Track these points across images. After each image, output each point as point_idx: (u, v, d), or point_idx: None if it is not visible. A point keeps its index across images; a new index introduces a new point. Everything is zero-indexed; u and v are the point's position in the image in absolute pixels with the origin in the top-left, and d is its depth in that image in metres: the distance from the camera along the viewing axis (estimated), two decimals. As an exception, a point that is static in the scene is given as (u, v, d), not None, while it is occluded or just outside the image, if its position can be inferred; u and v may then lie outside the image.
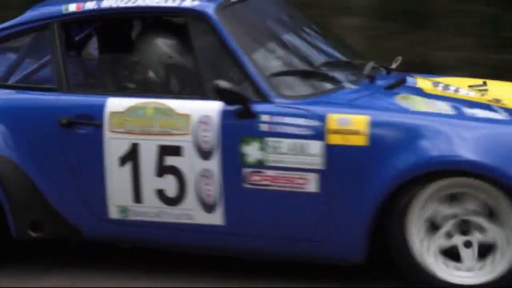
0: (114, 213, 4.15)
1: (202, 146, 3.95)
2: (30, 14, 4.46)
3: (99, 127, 4.10)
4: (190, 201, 4.01)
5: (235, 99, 3.88)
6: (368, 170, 3.76)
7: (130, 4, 4.29)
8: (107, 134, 4.10)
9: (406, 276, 3.85)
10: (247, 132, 3.91)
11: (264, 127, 3.89)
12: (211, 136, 3.94)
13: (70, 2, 4.43)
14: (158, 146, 4.02)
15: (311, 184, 3.84)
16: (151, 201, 4.07)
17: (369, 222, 3.78)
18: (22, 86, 4.38)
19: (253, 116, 3.89)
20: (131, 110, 4.08)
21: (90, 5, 4.34)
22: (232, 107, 3.92)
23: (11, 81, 4.41)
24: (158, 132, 4.03)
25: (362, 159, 3.78)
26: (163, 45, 4.27)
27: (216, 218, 4.00)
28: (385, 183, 3.72)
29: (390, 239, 3.80)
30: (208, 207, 3.99)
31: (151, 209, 4.09)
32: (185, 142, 3.98)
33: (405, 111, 3.96)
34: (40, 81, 4.37)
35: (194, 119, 3.97)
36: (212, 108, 3.97)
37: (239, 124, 3.92)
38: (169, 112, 4.03)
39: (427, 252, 3.75)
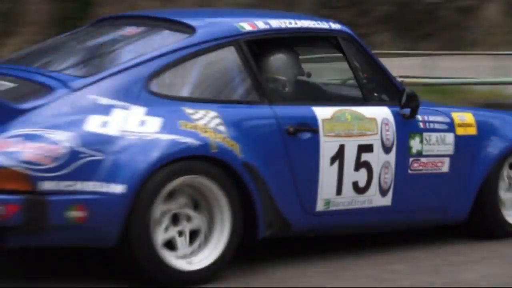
0: (319, 206, 4.76)
1: (385, 143, 4.94)
2: (202, 34, 4.64)
3: (315, 133, 4.69)
4: (373, 189, 4.96)
5: (415, 103, 4.99)
6: (477, 153, 5.34)
7: (293, 25, 4.94)
8: (322, 138, 4.71)
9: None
10: (413, 129, 5.10)
11: (421, 125, 5.12)
12: (391, 134, 4.96)
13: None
14: (357, 146, 4.84)
15: (445, 166, 5.23)
16: (347, 192, 4.85)
17: (477, 191, 5.35)
18: (226, 100, 4.61)
19: (415, 116, 5.06)
20: (336, 117, 4.77)
21: (262, 25, 4.84)
22: (399, 110, 5.02)
23: (209, 96, 4.58)
24: (357, 134, 4.85)
25: (474, 144, 5.34)
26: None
27: (387, 200, 5.03)
28: (490, 161, 5.39)
29: (487, 202, 5.43)
30: (383, 192, 5.00)
31: (346, 199, 4.87)
32: (375, 140, 4.90)
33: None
34: (236, 94, 4.67)
35: (379, 122, 4.93)
36: (387, 112, 4.99)
37: (407, 123, 5.05)
38: (361, 117, 4.88)
39: None
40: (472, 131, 5.39)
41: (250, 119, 4.57)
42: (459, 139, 5.30)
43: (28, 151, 3.96)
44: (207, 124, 4.36)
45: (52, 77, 4.39)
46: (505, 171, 5.52)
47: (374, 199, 5.00)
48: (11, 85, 4.33)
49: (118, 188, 4.06)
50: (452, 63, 21.29)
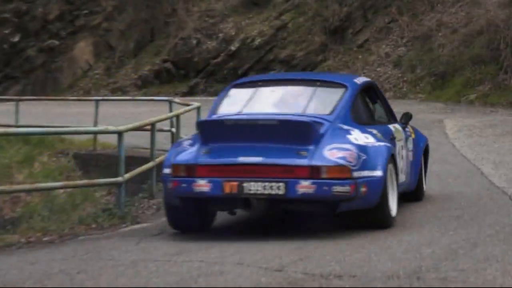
0: (399, 180, 9.03)
1: (403, 144, 9.32)
2: (351, 88, 9.10)
3: (394, 139, 9.16)
4: (403, 170, 9.14)
5: (409, 119, 9.61)
6: (417, 148, 9.86)
7: (364, 80, 10.09)
8: (396, 142, 9.30)
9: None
10: (406, 135, 9.53)
11: (407, 133, 9.56)
12: (403, 138, 9.32)
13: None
14: (401, 145, 9.19)
15: (411, 156, 9.75)
16: (401, 171, 9.21)
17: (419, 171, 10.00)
18: (371, 123, 9.21)
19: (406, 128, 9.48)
20: (394, 129, 9.48)
21: (359, 80, 9.46)
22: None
23: (366, 121, 9.19)
24: (400, 139, 9.27)
25: (416, 143, 9.82)
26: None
27: (404, 177, 9.30)
28: (421, 153, 10.04)
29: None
30: (403, 172, 9.28)
31: (401, 175, 9.20)
32: (402, 142, 9.23)
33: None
34: (372, 120, 9.36)
35: (401, 131, 9.31)
36: (399, 126, 9.39)
37: (404, 132, 9.42)
38: (398, 129, 9.28)
39: None
40: (413, 136, 10.02)
41: (385, 132, 9.11)
42: (413, 140, 9.87)
43: (347, 155, 8.16)
44: (379, 135, 8.78)
45: (314, 116, 8.63)
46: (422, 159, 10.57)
47: (402, 177, 9.17)
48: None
49: (378, 173, 8.36)
50: (51, 109, 22.64)
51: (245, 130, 8.45)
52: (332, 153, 8.15)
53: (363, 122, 9.04)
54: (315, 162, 8.09)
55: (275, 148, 8.26)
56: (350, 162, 8.12)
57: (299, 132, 8.32)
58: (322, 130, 8.43)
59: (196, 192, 8.19)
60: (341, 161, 8.11)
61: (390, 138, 9.10)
